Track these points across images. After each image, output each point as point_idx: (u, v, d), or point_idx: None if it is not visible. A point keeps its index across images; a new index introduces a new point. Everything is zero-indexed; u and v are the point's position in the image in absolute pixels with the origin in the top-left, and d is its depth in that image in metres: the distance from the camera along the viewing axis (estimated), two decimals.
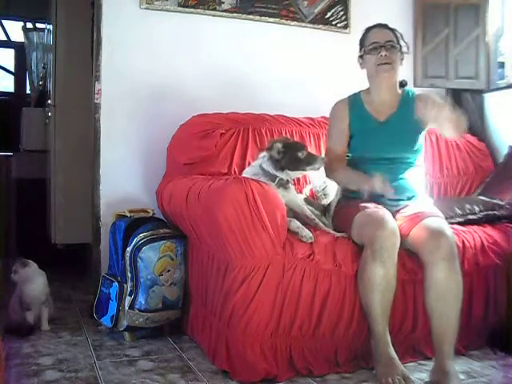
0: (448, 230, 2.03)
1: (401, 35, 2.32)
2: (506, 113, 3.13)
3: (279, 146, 2.18)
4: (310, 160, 2.21)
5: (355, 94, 2.40)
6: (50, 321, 2.44)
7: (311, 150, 2.70)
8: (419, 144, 2.32)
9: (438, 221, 2.09)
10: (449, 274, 1.96)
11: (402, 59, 2.31)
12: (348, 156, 2.38)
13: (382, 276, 1.93)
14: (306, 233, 2.05)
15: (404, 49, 2.31)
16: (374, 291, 1.94)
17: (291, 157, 2.18)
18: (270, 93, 2.92)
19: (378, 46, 2.24)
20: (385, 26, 2.31)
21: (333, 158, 2.34)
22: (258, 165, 2.24)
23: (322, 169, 2.46)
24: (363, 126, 2.32)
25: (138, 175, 2.73)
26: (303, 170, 2.24)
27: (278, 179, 2.18)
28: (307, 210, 2.26)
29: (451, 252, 1.97)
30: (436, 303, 1.95)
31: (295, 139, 2.55)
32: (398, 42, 2.28)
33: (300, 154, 2.19)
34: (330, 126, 2.45)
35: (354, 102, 2.37)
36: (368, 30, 2.32)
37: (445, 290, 1.95)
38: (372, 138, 2.29)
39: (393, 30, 2.31)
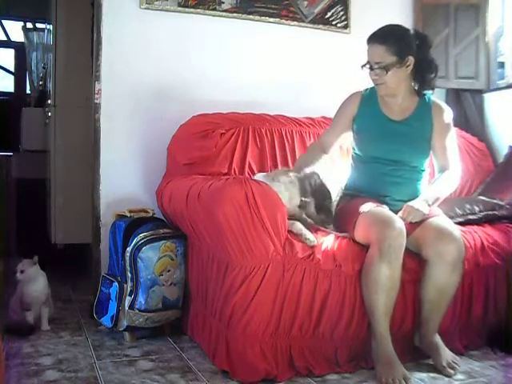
0: (457, 232, 2.05)
1: (403, 39, 2.20)
2: (506, 113, 3.13)
3: (317, 180, 2.19)
4: (318, 219, 2.19)
5: (371, 88, 2.34)
6: (50, 321, 2.44)
7: None
8: (428, 151, 2.31)
9: (447, 222, 2.10)
10: (450, 276, 2.02)
11: (408, 66, 2.19)
12: (354, 151, 2.39)
13: (388, 276, 1.94)
14: (309, 235, 2.05)
15: (406, 59, 2.18)
16: (378, 291, 1.95)
17: (320, 202, 2.18)
18: (270, 93, 2.92)
19: (369, 66, 2.21)
20: (378, 40, 2.18)
21: (319, 140, 2.48)
22: (296, 176, 2.23)
23: (322, 169, 2.47)
24: (374, 123, 2.30)
25: (138, 175, 2.73)
26: (309, 213, 2.20)
27: (303, 200, 2.17)
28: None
29: (458, 257, 2.02)
30: (432, 296, 2.05)
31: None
32: (395, 54, 2.16)
33: (327, 202, 2.20)
34: (334, 115, 2.45)
35: (368, 98, 2.33)
36: (367, 41, 2.23)
37: (442, 289, 2.04)
38: (381, 136, 2.27)
39: (389, 41, 2.16)
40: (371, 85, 2.32)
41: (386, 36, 2.19)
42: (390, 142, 2.25)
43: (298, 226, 2.07)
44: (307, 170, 2.27)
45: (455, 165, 2.32)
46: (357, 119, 2.34)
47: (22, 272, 2.37)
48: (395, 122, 2.28)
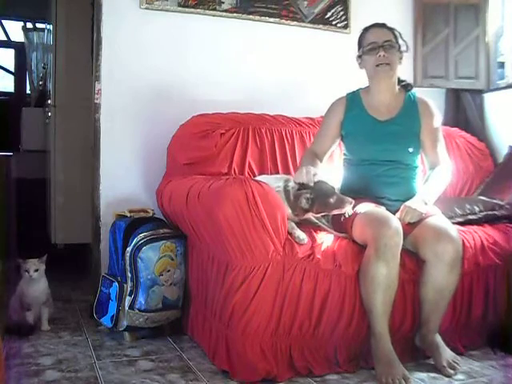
0: (454, 232, 2.05)
1: (399, 34, 2.31)
2: (506, 113, 3.13)
3: (307, 196, 2.08)
4: (338, 204, 2.10)
5: (354, 92, 2.39)
6: (50, 321, 2.44)
7: None
8: (419, 147, 2.32)
9: (444, 221, 2.10)
10: (449, 276, 2.02)
11: (401, 58, 2.30)
12: (345, 155, 2.40)
13: (385, 275, 1.94)
14: (299, 233, 2.04)
15: (403, 48, 2.30)
16: (376, 290, 1.95)
17: (321, 203, 2.10)
18: (269, 93, 2.93)
19: (376, 46, 2.23)
20: (383, 26, 2.29)
21: (309, 150, 2.42)
22: (283, 186, 2.15)
23: (322, 169, 2.46)
24: (361, 126, 2.31)
25: (138, 175, 2.73)
26: (329, 212, 2.15)
27: (294, 213, 2.12)
28: (312, 216, 2.27)
29: (456, 257, 2.02)
30: (432, 296, 2.04)
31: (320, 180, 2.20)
32: (397, 41, 2.27)
33: (331, 200, 2.09)
34: (321, 123, 2.47)
35: (353, 101, 2.36)
36: (366, 29, 2.31)
37: (442, 288, 2.04)
38: (371, 138, 2.28)
39: (391, 29, 2.29)
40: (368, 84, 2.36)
41: (387, 26, 2.29)
42: (380, 143, 2.26)
43: (290, 225, 2.07)
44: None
45: (445, 159, 2.34)
46: (344, 124, 2.35)
47: (36, 271, 2.36)
48: (382, 123, 2.30)
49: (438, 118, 2.37)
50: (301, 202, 2.09)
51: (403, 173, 2.27)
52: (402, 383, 1.87)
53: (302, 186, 2.11)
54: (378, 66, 2.24)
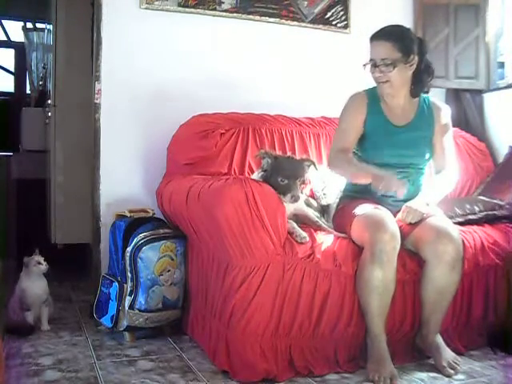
0: (455, 232, 2.04)
1: (407, 37, 2.19)
2: (506, 113, 3.13)
3: (269, 161, 2.13)
4: (284, 189, 2.06)
5: (371, 89, 2.30)
6: (49, 321, 2.44)
7: (311, 150, 2.71)
8: (432, 151, 2.30)
9: (445, 221, 2.09)
10: (450, 276, 2.02)
11: (412, 64, 2.18)
12: (356, 154, 2.32)
13: (380, 279, 1.94)
14: (300, 232, 2.05)
15: (410, 57, 2.16)
16: (371, 293, 1.95)
17: (272, 176, 2.10)
18: (270, 93, 2.93)
19: (373, 63, 2.17)
20: (384, 36, 2.16)
21: (337, 149, 2.24)
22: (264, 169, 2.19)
23: (322, 169, 2.46)
24: (379, 127, 2.25)
25: (138, 175, 2.73)
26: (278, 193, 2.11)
27: (288, 195, 2.10)
28: (312, 215, 2.27)
29: (457, 257, 2.01)
30: (432, 297, 2.04)
31: (297, 156, 2.30)
32: (401, 51, 2.14)
33: (279, 180, 2.08)
34: (341, 120, 2.30)
35: (372, 98, 2.28)
36: (371, 39, 2.20)
37: (443, 289, 2.03)
38: (387, 143, 2.23)
39: (394, 41, 2.14)
40: (370, 85, 2.31)
41: (391, 33, 2.17)
42: (396, 148, 2.21)
43: (291, 225, 2.07)
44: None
45: (453, 164, 2.33)
46: (367, 122, 2.26)
47: (40, 263, 2.37)
48: (400, 128, 2.25)
49: (450, 123, 2.34)
50: (264, 158, 2.14)
51: (413, 176, 2.24)
52: (388, 382, 1.88)
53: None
54: (378, 82, 2.22)
